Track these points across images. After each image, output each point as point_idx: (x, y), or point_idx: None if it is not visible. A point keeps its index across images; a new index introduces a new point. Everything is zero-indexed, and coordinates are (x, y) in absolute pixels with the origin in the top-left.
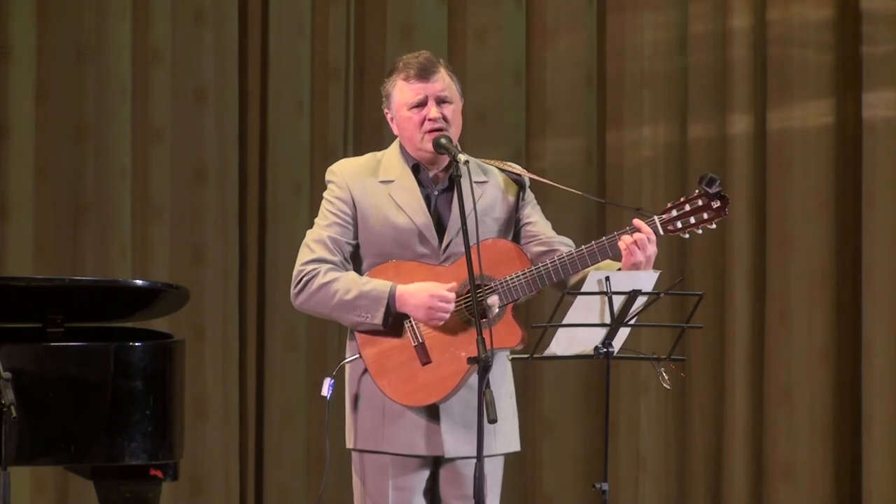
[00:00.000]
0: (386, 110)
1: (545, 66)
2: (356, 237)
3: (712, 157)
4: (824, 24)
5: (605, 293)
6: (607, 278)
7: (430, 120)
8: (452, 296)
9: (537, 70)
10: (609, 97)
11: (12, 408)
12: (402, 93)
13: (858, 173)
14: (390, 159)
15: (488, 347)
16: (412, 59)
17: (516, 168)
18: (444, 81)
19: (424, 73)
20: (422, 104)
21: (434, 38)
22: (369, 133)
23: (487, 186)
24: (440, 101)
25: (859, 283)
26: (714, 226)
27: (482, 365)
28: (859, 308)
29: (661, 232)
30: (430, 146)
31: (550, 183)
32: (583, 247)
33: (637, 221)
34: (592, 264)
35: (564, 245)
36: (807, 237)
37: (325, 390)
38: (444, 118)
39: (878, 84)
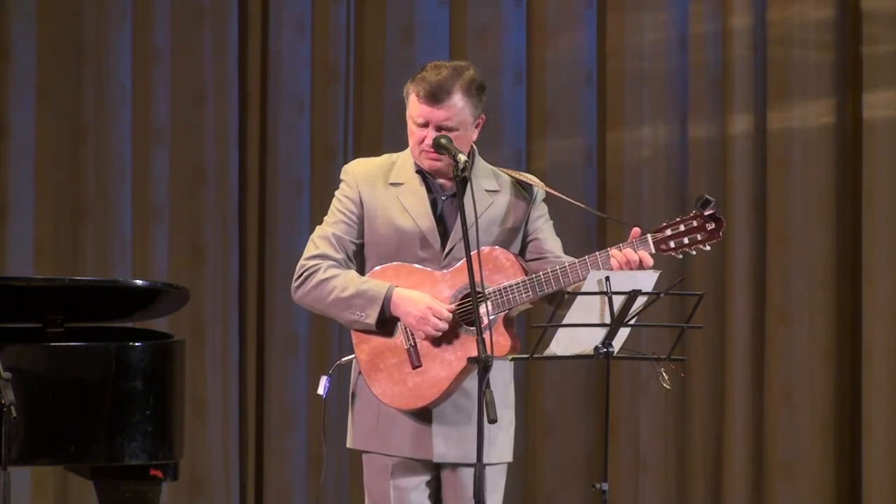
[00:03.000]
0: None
1: (545, 66)
2: (361, 237)
3: (712, 157)
4: (824, 24)
5: (605, 293)
6: (607, 278)
7: (427, 145)
8: (449, 315)
9: (537, 70)
10: (609, 97)
11: (12, 408)
12: (412, 106)
13: (858, 173)
14: (404, 162)
15: (478, 354)
16: (431, 76)
17: (533, 179)
18: (451, 109)
19: (433, 99)
20: (424, 125)
21: (434, 38)
22: (369, 133)
23: (498, 196)
24: (441, 129)
25: (859, 283)
26: (708, 247)
27: (482, 365)
28: (859, 308)
29: (653, 250)
30: (425, 164)
31: (565, 198)
32: (576, 260)
33: (642, 254)
34: (584, 277)
35: None
36: (807, 237)
37: (322, 389)
38: None
39: (878, 84)
